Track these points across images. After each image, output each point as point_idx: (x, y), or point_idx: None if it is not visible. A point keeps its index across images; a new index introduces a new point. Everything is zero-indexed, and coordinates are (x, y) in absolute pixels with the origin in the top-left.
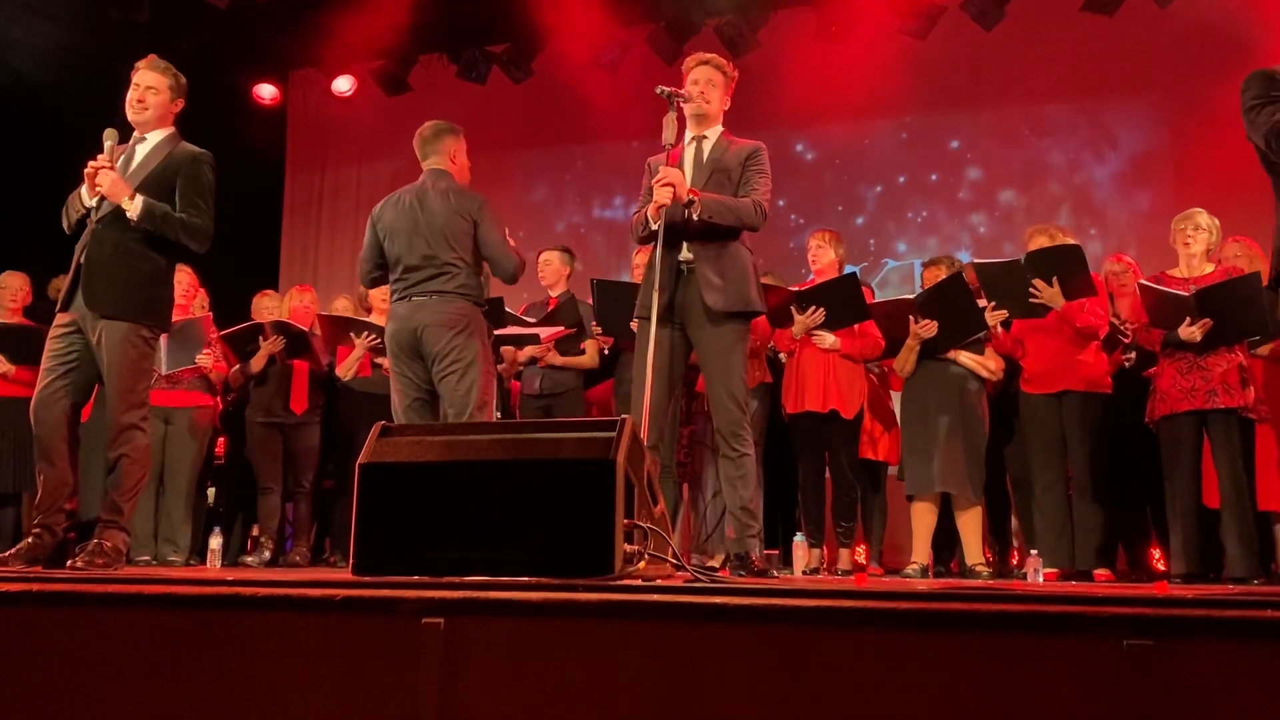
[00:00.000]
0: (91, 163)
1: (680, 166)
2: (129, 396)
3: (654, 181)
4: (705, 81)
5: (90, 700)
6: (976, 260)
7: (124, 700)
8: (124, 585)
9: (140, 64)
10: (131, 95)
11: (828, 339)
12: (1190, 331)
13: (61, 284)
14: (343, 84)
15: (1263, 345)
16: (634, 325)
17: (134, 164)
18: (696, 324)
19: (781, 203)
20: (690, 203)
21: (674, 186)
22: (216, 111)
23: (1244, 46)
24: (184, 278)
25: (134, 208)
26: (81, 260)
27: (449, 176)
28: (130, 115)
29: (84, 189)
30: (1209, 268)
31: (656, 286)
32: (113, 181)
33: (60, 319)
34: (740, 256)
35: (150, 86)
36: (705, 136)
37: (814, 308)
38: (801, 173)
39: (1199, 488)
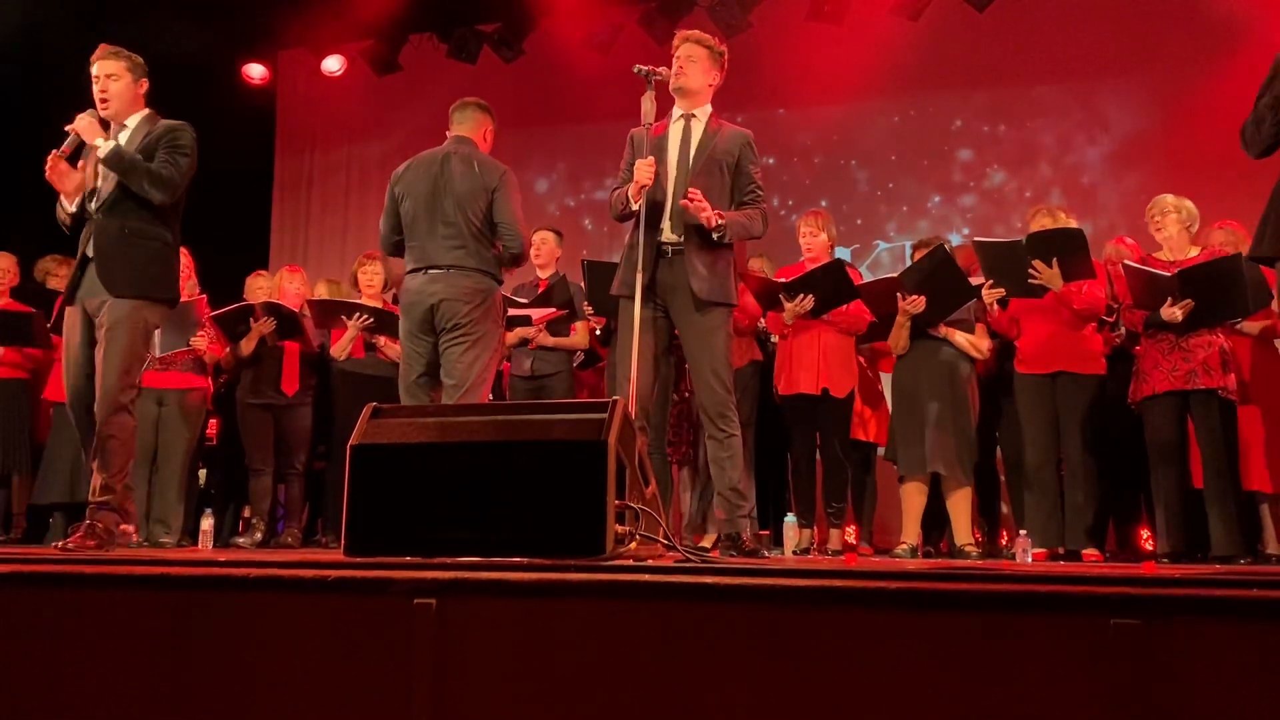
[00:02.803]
0: (49, 168)
1: (664, 143)
2: (124, 378)
3: (635, 166)
4: (685, 58)
5: (82, 681)
6: (978, 239)
7: (116, 681)
8: (115, 566)
9: (93, 57)
10: (95, 89)
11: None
12: (1171, 312)
13: (48, 265)
14: (332, 64)
15: (1250, 322)
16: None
17: None
18: (681, 307)
19: (783, 181)
20: (719, 227)
21: (706, 212)
22: (206, 91)
23: (1235, 28)
24: (181, 259)
25: (104, 147)
26: (88, 252)
27: (473, 144)
28: (99, 109)
29: (61, 199)
30: (1193, 251)
31: (640, 266)
32: (89, 123)
33: (71, 315)
34: (726, 249)
35: (110, 74)
36: (694, 115)
37: (803, 295)
38: (793, 154)
39: (1184, 468)
